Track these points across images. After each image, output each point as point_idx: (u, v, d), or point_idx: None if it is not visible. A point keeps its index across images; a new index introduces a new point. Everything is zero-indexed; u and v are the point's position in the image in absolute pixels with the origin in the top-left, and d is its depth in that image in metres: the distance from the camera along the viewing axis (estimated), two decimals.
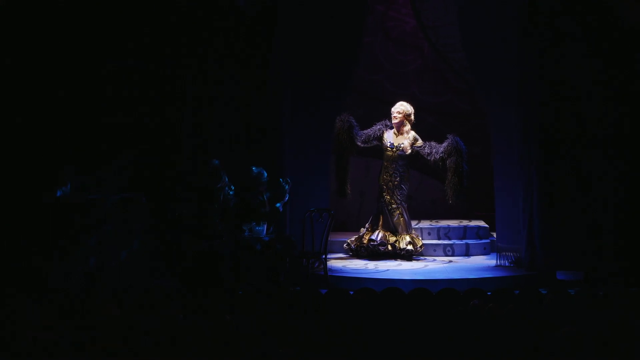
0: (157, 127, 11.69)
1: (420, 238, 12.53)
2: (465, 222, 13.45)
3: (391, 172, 12.35)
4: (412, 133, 12.37)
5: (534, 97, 11.04)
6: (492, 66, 11.75)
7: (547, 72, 10.98)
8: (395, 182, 12.34)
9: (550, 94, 10.99)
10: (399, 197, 12.34)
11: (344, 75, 12.21)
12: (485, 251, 12.55)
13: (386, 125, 12.43)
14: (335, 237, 12.60)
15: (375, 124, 12.48)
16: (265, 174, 10.96)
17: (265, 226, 10.93)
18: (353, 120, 12.36)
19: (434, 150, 12.20)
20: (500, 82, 11.61)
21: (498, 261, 11.72)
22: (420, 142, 12.30)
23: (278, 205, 10.97)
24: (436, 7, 14.13)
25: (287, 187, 11.01)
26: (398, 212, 12.32)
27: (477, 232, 13.03)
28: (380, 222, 12.35)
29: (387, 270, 11.51)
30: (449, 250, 12.64)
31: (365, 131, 12.44)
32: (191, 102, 11.67)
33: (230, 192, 10.90)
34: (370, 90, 14.40)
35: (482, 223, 13.31)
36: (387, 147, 12.34)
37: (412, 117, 12.42)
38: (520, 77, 11.15)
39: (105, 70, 11.61)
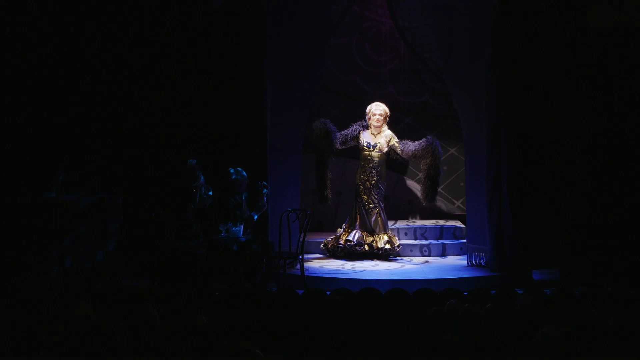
0: (134, 127, 11.66)
1: (397, 238, 12.57)
2: (441, 222, 13.49)
3: (368, 172, 12.38)
4: (389, 132, 12.43)
5: (506, 98, 11.06)
6: (465, 67, 11.81)
7: (519, 72, 11.00)
8: (373, 182, 12.36)
9: (522, 94, 11.01)
10: (376, 196, 12.37)
11: (315, 74, 12.21)
12: (461, 251, 12.56)
13: (363, 126, 12.45)
14: (312, 238, 12.59)
15: (352, 124, 12.50)
16: (245, 174, 10.94)
17: (242, 227, 10.91)
18: (331, 125, 12.32)
19: (406, 147, 12.27)
20: (473, 83, 11.65)
21: (469, 261, 11.78)
22: (395, 140, 12.36)
23: (253, 214, 10.94)
24: (412, 8, 14.16)
25: (265, 190, 10.97)
26: (376, 211, 12.34)
27: (454, 232, 13.07)
28: (358, 222, 12.35)
29: (364, 270, 11.52)
30: (425, 251, 12.67)
31: (342, 132, 12.45)
32: (170, 102, 11.64)
33: (209, 192, 10.86)
34: (346, 90, 14.39)
35: (458, 223, 13.34)
36: (365, 146, 12.37)
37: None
38: (492, 77, 11.17)
39: (81, 68, 11.59)
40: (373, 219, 12.32)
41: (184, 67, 11.61)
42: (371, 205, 12.35)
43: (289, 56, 11.83)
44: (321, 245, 12.54)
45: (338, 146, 12.36)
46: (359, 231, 12.27)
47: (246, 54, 11.44)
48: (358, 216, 12.38)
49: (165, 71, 11.64)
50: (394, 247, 12.28)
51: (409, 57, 14.39)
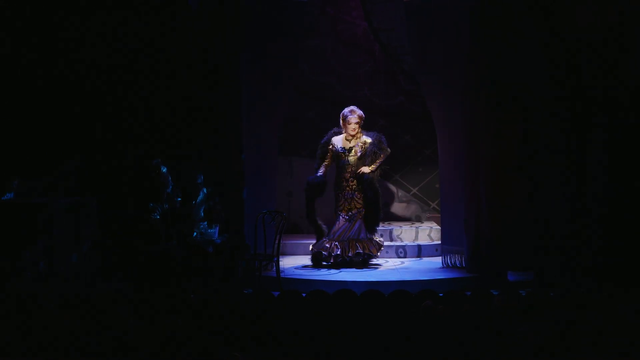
0: (108, 130, 11.61)
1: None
2: (417, 224, 13.51)
3: (348, 177, 12.12)
4: (363, 137, 12.12)
5: (484, 102, 11.08)
6: (439, 69, 11.80)
7: (498, 77, 11.01)
8: (354, 187, 12.04)
9: (500, 98, 11.03)
10: (359, 201, 12.05)
11: (290, 76, 12.20)
12: (437, 252, 12.55)
13: (334, 132, 12.19)
14: (288, 240, 12.58)
15: (325, 136, 12.24)
16: (201, 178, 10.93)
17: (218, 228, 10.88)
18: (316, 179, 12.03)
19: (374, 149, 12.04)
20: (447, 85, 11.66)
21: (444, 262, 11.80)
22: (368, 143, 12.05)
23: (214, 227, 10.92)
24: (387, 10, 14.16)
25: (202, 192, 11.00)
26: (359, 217, 12.03)
27: (429, 234, 13.09)
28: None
29: (340, 272, 11.53)
30: (401, 252, 12.68)
31: (318, 162, 12.12)
32: (143, 104, 11.60)
33: (178, 199, 10.83)
34: (321, 93, 14.39)
35: (434, 224, 13.37)
36: (340, 152, 12.05)
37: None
38: (469, 82, 11.19)
39: (54, 72, 11.54)
40: (357, 225, 12.04)
41: (159, 69, 11.56)
42: (354, 211, 12.06)
43: (263, 59, 11.82)
44: (310, 247, 12.30)
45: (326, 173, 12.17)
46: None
47: (221, 57, 11.41)
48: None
49: (141, 73, 11.59)
50: (381, 245, 12.07)
51: (384, 59, 14.42)
